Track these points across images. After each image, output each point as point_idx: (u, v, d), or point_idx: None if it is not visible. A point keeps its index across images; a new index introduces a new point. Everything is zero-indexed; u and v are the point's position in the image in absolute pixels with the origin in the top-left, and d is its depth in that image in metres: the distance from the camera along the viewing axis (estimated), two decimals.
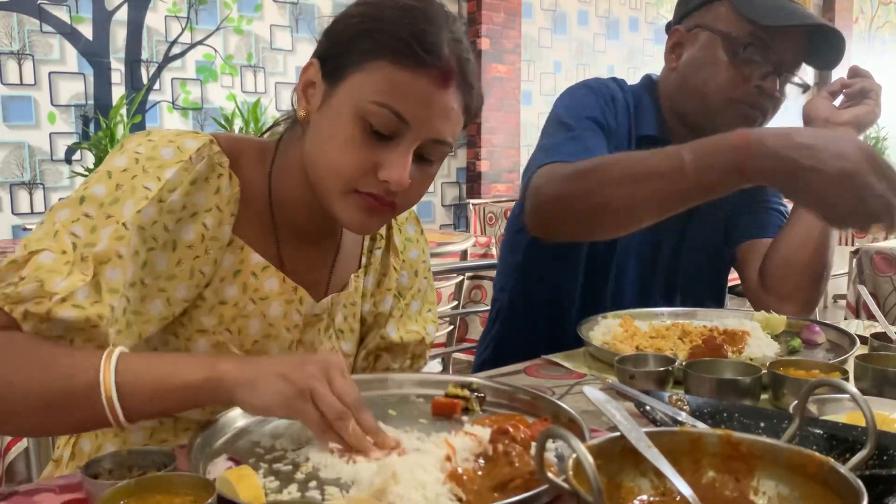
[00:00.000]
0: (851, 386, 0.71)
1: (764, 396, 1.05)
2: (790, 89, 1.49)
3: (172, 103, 4.38)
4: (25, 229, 3.85)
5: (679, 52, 1.51)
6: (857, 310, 2.50)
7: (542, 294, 1.65)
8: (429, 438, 0.86)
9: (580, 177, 1.23)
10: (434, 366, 2.58)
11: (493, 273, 1.93)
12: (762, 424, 0.85)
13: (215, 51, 4.52)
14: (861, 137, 1.51)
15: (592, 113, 1.47)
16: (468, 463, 0.78)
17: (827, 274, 1.51)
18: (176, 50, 4.37)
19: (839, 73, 1.57)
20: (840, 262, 4.64)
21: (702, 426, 0.82)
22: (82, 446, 1.06)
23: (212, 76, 4.52)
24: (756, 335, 1.30)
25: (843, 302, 4.49)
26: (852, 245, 4.72)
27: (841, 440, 0.77)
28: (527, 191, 1.34)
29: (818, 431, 0.79)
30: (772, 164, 1.07)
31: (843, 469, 0.59)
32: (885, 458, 0.73)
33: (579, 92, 1.53)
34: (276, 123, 1.13)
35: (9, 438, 1.76)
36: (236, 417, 0.91)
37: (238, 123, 3.52)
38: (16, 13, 3.84)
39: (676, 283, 1.63)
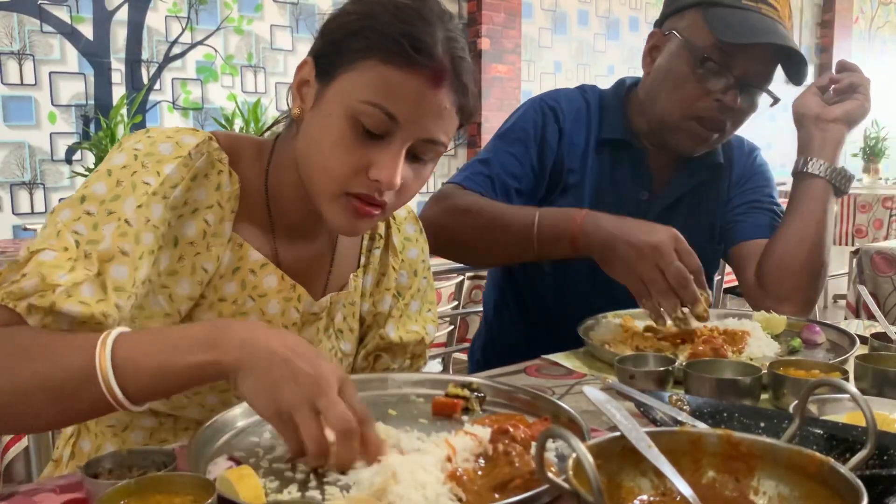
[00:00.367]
0: (851, 386, 0.71)
1: (764, 396, 1.05)
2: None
3: (173, 103, 4.38)
4: (26, 229, 3.85)
5: (655, 56, 1.52)
6: (857, 310, 2.50)
7: (524, 298, 1.66)
8: (429, 438, 0.86)
9: (459, 213, 1.42)
10: (434, 366, 2.58)
11: None
12: (762, 424, 0.85)
13: (215, 51, 4.52)
14: (853, 131, 1.52)
15: (524, 127, 1.55)
16: (468, 463, 0.78)
17: (824, 273, 1.51)
18: (176, 50, 4.37)
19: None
20: (840, 262, 4.65)
21: (702, 426, 0.82)
22: (82, 446, 1.06)
23: (212, 76, 4.52)
24: (756, 335, 1.30)
25: (843, 302, 4.50)
26: (852, 245, 4.72)
27: (841, 440, 0.77)
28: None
29: (818, 431, 0.79)
30: (598, 242, 1.30)
31: (843, 469, 0.59)
32: (885, 458, 0.73)
33: (521, 109, 1.60)
34: (276, 122, 1.13)
35: (7, 438, 1.76)
36: (236, 417, 0.91)
37: (238, 123, 3.52)
38: (16, 13, 3.84)
39: None
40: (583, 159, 1.55)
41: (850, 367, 1.13)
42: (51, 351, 0.80)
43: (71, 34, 4.01)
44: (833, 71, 1.54)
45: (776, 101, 1.49)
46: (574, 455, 0.58)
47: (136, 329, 0.84)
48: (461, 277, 2.54)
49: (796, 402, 0.86)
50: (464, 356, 3.03)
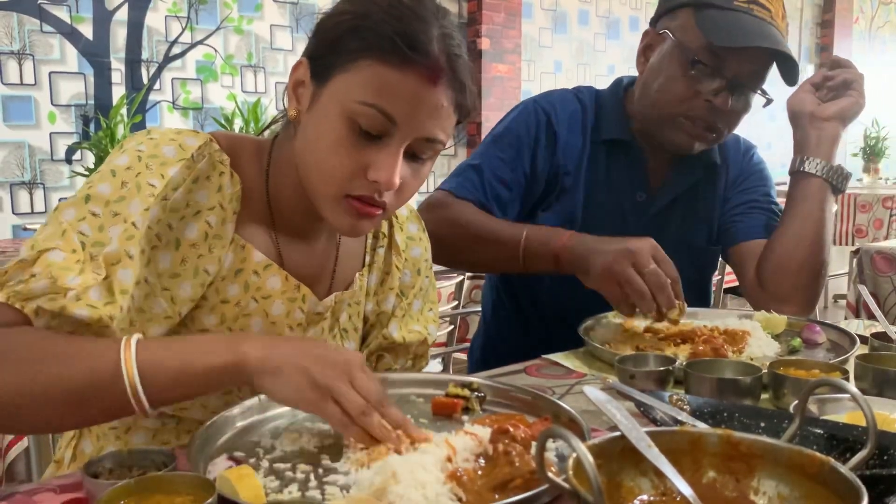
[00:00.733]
0: (852, 386, 0.71)
1: (764, 396, 1.05)
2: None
3: (173, 103, 4.38)
4: (26, 229, 3.85)
5: (648, 55, 1.51)
6: (858, 310, 2.50)
7: (520, 299, 1.66)
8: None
9: (449, 224, 1.44)
10: (434, 366, 2.58)
11: None
12: (762, 424, 0.85)
13: (215, 51, 4.51)
14: (849, 128, 1.52)
15: (517, 131, 1.55)
16: (468, 463, 0.78)
17: (824, 272, 1.51)
18: (176, 50, 4.37)
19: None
20: (840, 261, 4.65)
21: (702, 426, 0.82)
22: (84, 447, 1.06)
23: (212, 76, 4.52)
24: (756, 335, 1.30)
25: (843, 302, 4.50)
26: (852, 245, 4.72)
27: (841, 440, 0.77)
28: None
29: (818, 431, 0.79)
30: (579, 256, 1.32)
31: (843, 469, 0.59)
32: (885, 458, 0.73)
33: (514, 112, 1.61)
34: (273, 121, 1.12)
35: (9, 438, 1.75)
36: (236, 417, 0.91)
37: (238, 123, 3.51)
38: (16, 13, 3.84)
39: None
40: (578, 161, 1.55)
41: (851, 366, 1.13)
42: (71, 354, 0.80)
43: (71, 34, 4.01)
44: (827, 68, 1.54)
45: (769, 101, 1.48)
46: (574, 455, 0.58)
47: (153, 338, 0.85)
48: (461, 277, 2.53)
49: (796, 402, 0.86)
50: (464, 356, 3.02)
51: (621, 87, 1.60)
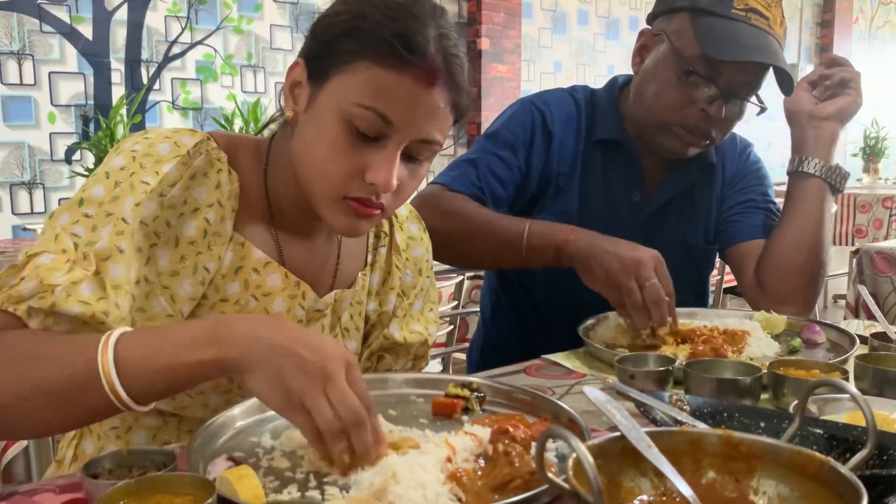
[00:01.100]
0: (851, 386, 0.71)
1: (764, 396, 1.05)
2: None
3: (172, 103, 4.38)
4: (25, 229, 3.85)
5: (644, 56, 1.50)
6: (857, 310, 2.50)
7: (518, 300, 1.66)
8: (429, 438, 0.85)
9: (446, 217, 1.42)
10: (434, 366, 2.58)
11: None
12: (762, 424, 0.85)
13: (215, 51, 4.52)
14: (847, 127, 1.52)
15: (513, 129, 1.54)
16: (468, 463, 0.78)
17: (824, 273, 1.51)
18: (176, 50, 4.37)
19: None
20: (840, 261, 4.65)
21: (702, 426, 0.82)
22: (85, 447, 1.06)
23: (212, 76, 4.52)
24: (756, 335, 1.30)
25: (843, 302, 4.49)
26: (852, 245, 4.72)
27: (841, 440, 0.77)
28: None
29: (818, 431, 0.79)
30: (582, 253, 1.32)
31: (843, 469, 0.59)
32: (885, 458, 0.73)
33: (510, 111, 1.60)
34: (271, 120, 1.12)
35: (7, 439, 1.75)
36: (236, 417, 0.91)
37: (238, 123, 3.52)
38: (16, 13, 3.84)
39: None
40: (573, 161, 1.55)
41: (850, 367, 1.12)
42: (52, 354, 0.79)
43: (70, 34, 4.01)
44: (823, 66, 1.54)
45: (763, 109, 1.47)
46: (574, 455, 0.58)
47: (137, 328, 0.84)
48: (461, 277, 2.53)
49: (796, 402, 0.86)
50: (463, 356, 3.03)
51: (616, 87, 1.60)
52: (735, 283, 1.74)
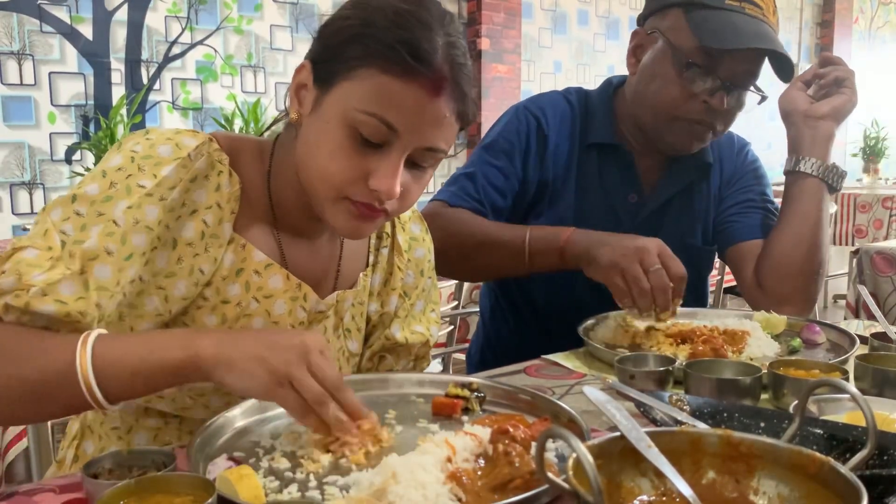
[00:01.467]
0: (851, 386, 0.71)
1: (764, 396, 1.05)
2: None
3: (172, 103, 4.38)
4: (25, 229, 3.85)
5: (639, 55, 1.50)
6: (857, 310, 2.50)
7: (516, 300, 1.66)
8: (429, 438, 0.85)
9: (447, 235, 1.41)
10: (434, 366, 2.58)
11: None
12: (762, 424, 0.85)
13: (215, 51, 4.51)
14: (847, 128, 1.52)
15: (508, 138, 1.55)
16: (468, 463, 0.78)
17: (823, 272, 1.51)
18: (176, 50, 4.37)
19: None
20: (840, 262, 4.65)
21: (702, 426, 0.82)
22: (86, 448, 1.06)
23: (212, 76, 4.51)
24: (756, 335, 1.30)
25: (843, 302, 4.50)
26: (852, 245, 4.72)
27: (841, 440, 0.77)
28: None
29: (818, 431, 0.79)
30: (584, 249, 1.33)
31: (843, 469, 0.59)
32: (885, 458, 0.73)
33: (505, 118, 1.60)
34: (275, 121, 1.12)
35: (8, 438, 1.76)
36: (236, 417, 0.91)
37: (238, 123, 3.52)
38: (16, 13, 3.83)
39: None
40: (568, 165, 1.55)
41: (850, 367, 1.13)
42: (31, 352, 0.81)
43: (70, 34, 4.01)
44: (817, 65, 1.54)
45: (764, 98, 1.48)
46: (574, 455, 0.58)
47: (114, 333, 0.85)
48: None
49: (796, 402, 0.86)
50: (463, 356, 3.03)
51: (611, 88, 1.60)
52: (735, 283, 1.74)
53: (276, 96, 4.65)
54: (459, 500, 0.72)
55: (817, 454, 0.62)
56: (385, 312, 1.18)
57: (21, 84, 3.89)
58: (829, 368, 1.05)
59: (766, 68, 1.44)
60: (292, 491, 0.76)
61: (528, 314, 1.64)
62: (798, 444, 0.69)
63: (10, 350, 0.81)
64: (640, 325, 1.35)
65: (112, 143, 2.95)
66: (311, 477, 0.79)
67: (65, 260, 0.86)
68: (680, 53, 1.40)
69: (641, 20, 1.52)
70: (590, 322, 1.39)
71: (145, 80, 4.26)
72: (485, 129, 5.93)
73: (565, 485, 0.58)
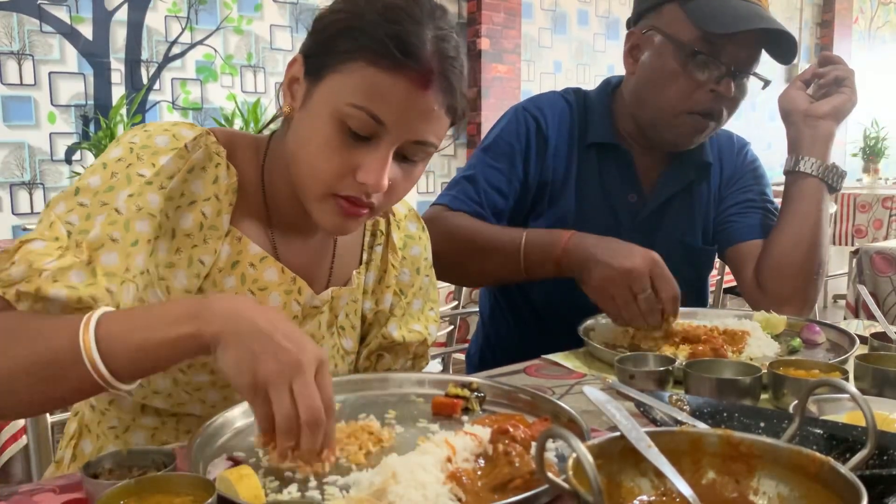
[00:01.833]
0: (851, 386, 0.71)
1: (764, 396, 1.05)
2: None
3: (172, 103, 4.38)
4: (25, 229, 3.85)
5: (636, 56, 1.50)
6: (857, 310, 2.50)
7: (516, 301, 1.66)
8: (429, 438, 0.85)
9: (448, 238, 1.42)
10: (434, 366, 2.58)
11: None
12: (762, 424, 0.85)
13: (215, 51, 4.51)
14: (847, 128, 1.52)
15: (508, 140, 1.54)
16: (468, 463, 0.78)
17: (823, 272, 1.51)
18: (176, 50, 4.37)
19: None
20: (840, 262, 4.65)
21: (702, 426, 0.82)
22: (84, 447, 1.06)
23: (212, 76, 4.51)
24: (756, 335, 1.30)
25: (843, 302, 4.49)
26: (852, 245, 4.72)
27: (841, 440, 0.77)
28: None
29: (818, 431, 0.79)
30: (578, 263, 1.32)
31: (843, 469, 0.59)
32: (885, 458, 0.73)
33: (504, 120, 1.59)
34: (273, 118, 1.13)
35: (4, 438, 1.75)
36: (236, 417, 0.91)
37: (238, 123, 3.51)
38: (16, 13, 3.83)
39: None
40: (567, 165, 1.55)
41: (850, 367, 1.13)
42: (36, 333, 0.80)
43: (70, 34, 4.01)
44: (817, 64, 1.54)
45: (767, 83, 1.48)
46: (574, 455, 0.58)
47: (119, 310, 0.84)
48: None
49: (796, 402, 0.86)
50: (463, 356, 3.03)
51: (609, 88, 1.60)
52: (735, 283, 1.74)
53: (276, 96, 4.65)
54: (459, 500, 0.72)
55: (817, 454, 0.62)
56: (380, 310, 1.18)
57: (21, 84, 3.89)
58: (829, 368, 1.05)
59: (767, 63, 1.44)
60: (292, 491, 0.76)
61: (527, 314, 1.64)
62: (798, 444, 0.69)
63: (19, 333, 0.80)
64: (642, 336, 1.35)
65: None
66: (311, 477, 0.79)
67: (72, 250, 0.87)
68: (682, 45, 1.40)
69: (634, 21, 1.53)
70: (590, 322, 1.39)
71: (145, 80, 4.26)
72: (485, 130, 5.94)
73: (565, 485, 0.58)
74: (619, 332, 1.36)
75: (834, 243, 4.75)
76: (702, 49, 1.39)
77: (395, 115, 0.89)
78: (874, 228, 4.85)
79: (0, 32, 3.80)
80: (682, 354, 1.22)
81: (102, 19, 4.11)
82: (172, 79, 4.37)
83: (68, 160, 4.05)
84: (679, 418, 0.85)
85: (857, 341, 1.23)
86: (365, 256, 1.16)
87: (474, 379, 1.03)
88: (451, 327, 2.54)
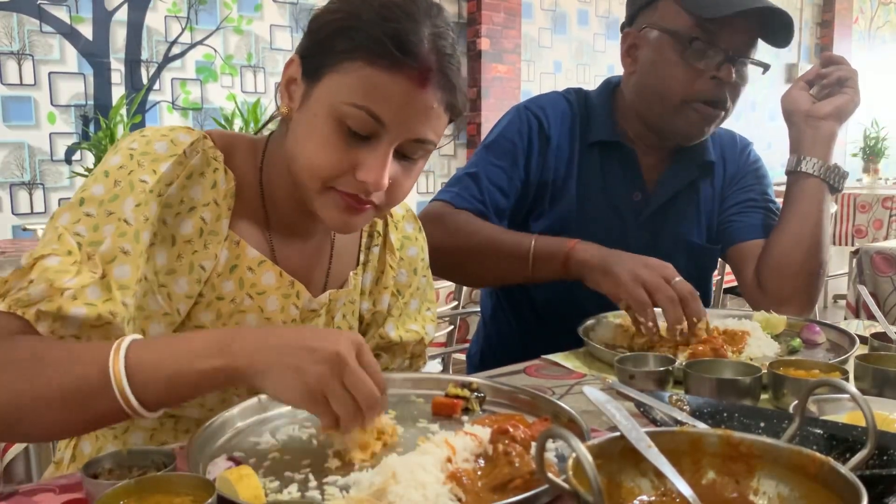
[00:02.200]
0: (851, 386, 0.71)
1: (764, 396, 1.05)
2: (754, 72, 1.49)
3: (172, 103, 4.38)
4: (25, 229, 3.85)
5: (634, 55, 1.51)
6: (857, 310, 2.50)
7: (518, 301, 1.66)
8: (429, 438, 0.85)
9: (450, 235, 1.42)
10: (434, 366, 2.58)
11: None
12: (762, 424, 0.85)
13: (215, 51, 4.51)
14: (847, 128, 1.51)
15: (510, 138, 1.54)
16: (468, 463, 0.78)
17: (823, 273, 1.51)
18: (176, 50, 4.37)
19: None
20: (840, 262, 4.65)
21: (702, 426, 0.82)
22: (83, 448, 1.06)
23: (212, 76, 4.51)
24: (756, 335, 1.30)
25: (843, 302, 4.49)
26: (852, 245, 4.72)
27: (841, 440, 0.77)
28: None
29: (818, 431, 0.79)
30: (588, 267, 1.32)
31: (843, 469, 0.59)
32: (885, 458, 0.73)
33: (506, 118, 1.60)
34: (270, 118, 1.13)
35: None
36: (236, 417, 0.91)
37: (238, 124, 3.51)
38: (16, 13, 3.83)
39: None
40: (569, 164, 1.55)
41: (850, 367, 1.12)
42: (65, 360, 0.80)
43: (70, 34, 4.01)
44: (820, 65, 1.54)
45: (766, 67, 1.47)
46: (574, 455, 0.58)
47: (147, 337, 0.84)
48: None
49: (796, 402, 0.86)
50: (463, 356, 3.03)
51: (610, 88, 1.60)
52: (735, 283, 1.74)
53: (275, 96, 4.65)
54: (459, 500, 0.72)
55: (817, 454, 0.62)
56: (378, 311, 1.18)
57: (21, 84, 3.89)
58: (829, 368, 1.05)
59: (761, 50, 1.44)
60: (292, 491, 0.76)
61: (529, 314, 1.64)
62: (798, 444, 0.69)
63: (47, 360, 0.80)
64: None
65: (112, 143, 2.95)
66: (311, 477, 0.79)
67: (86, 264, 0.87)
68: (679, 35, 1.41)
69: (629, 21, 1.53)
70: (590, 322, 1.39)
71: (145, 80, 4.26)
72: (485, 130, 5.95)
73: (565, 485, 0.58)
74: (619, 332, 1.36)
75: (834, 243, 4.75)
76: (699, 36, 1.39)
77: (395, 113, 0.89)
78: (874, 228, 4.85)
79: (0, 32, 3.80)
80: (681, 354, 1.22)
81: (102, 19, 4.11)
82: (172, 79, 4.37)
83: (68, 160, 4.05)
84: (679, 418, 0.85)
85: (858, 341, 1.23)
86: (362, 257, 1.16)
87: (474, 379, 1.03)
88: (451, 327, 2.54)
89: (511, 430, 0.80)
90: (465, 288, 2.60)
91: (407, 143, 0.92)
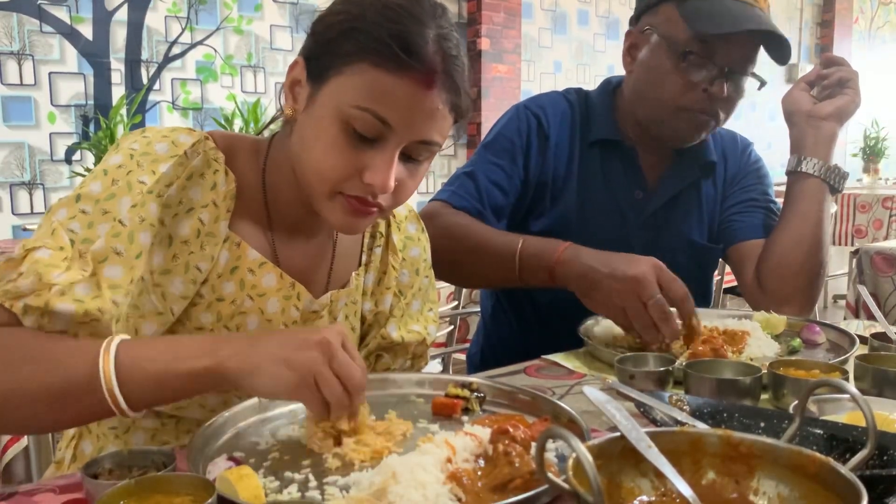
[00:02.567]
0: (851, 386, 0.71)
1: (764, 396, 1.05)
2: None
3: (172, 103, 4.38)
4: (25, 229, 3.85)
5: (634, 55, 1.51)
6: (857, 310, 2.50)
7: (518, 300, 1.66)
8: (429, 439, 0.85)
9: (445, 235, 1.40)
10: (434, 366, 2.58)
11: None
12: (762, 424, 0.85)
13: (215, 51, 4.51)
14: (847, 128, 1.51)
15: (509, 136, 1.54)
16: (468, 463, 0.78)
17: (823, 273, 1.51)
18: (176, 50, 4.37)
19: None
20: (840, 262, 4.65)
21: (702, 426, 0.82)
22: (84, 448, 1.06)
23: (212, 76, 4.51)
24: (756, 335, 1.30)
25: (843, 302, 4.49)
26: (852, 245, 4.72)
27: (841, 440, 0.77)
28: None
29: (818, 431, 0.79)
30: (576, 275, 1.29)
31: (843, 469, 0.59)
32: (885, 458, 0.73)
33: (505, 118, 1.59)
34: (272, 119, 1.13)
35: (6, 439, 1.75)
36: (236, 417, 0.91)
37: (238, 124, 3.51)
38: (16, 13, 3.83)
39: None
40: (569, 164, 1.55)
41: (850, 367, 1.12)
42: (53, 356, 0.81)
43: (70, 34, 4.01)
44: (821, 66, 1.54)
45: (763, 83, 1.48)
46: (574, 455, 0.58)
47: (136, 338, 0.85)
48: None
49: (796, 402, 0.86)
50: (463, 356, 3.03)
51: (610, 87, 1.60)
52: (735, 283, 1.74)
53: (276, 96, 4.65)
54: (459, 500, 0.72)
55: (817, 454, 0.62)
56: (380, 311, 1.18)
57: (21, 84, 3.89)
58: (829, 368, 1.05)
59: (762, 58, 1.44)
60: (292, 491, 0.76)
61: (529, 314, 1.64)
62: (798, 444, 0.69)
63: (35, 354, 0.81)
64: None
65: (112, 144, 2.94)
66: (311, 477, 0.79)
67: (77, 261, 0.87)
68: (676, 45, 1.41)
69: (634, 21, 1.53)
70: (590, 322, 1.39)
71: (145, 80, 4.26)
72: (485, 130, 5.93)
73: (565, 485, 0.58)
74: (619, 332, 1.36)
75: (834, 243, 4.75)
76: (695, 49, 1.39)
77: (401, 115, 0.89)
78: (874, 228, 4.85)
79: (0, 32, 3.80)
80: (682, 354, 1.22)
81: (102, 19, 4.11)
82: (172, 79, 4.37)
83: (68, 160, 4.05)
84: (679, 418, 0.85)
85: (857, 341, 1.23)
86: (364, 258, 1.16)
87: (474, 379, 1.03)
88: (451, 327, 2.54)
89: (511, 430, 0.80)
90: (465, 288, 2.61)
91: (413, 144, 0.92)
